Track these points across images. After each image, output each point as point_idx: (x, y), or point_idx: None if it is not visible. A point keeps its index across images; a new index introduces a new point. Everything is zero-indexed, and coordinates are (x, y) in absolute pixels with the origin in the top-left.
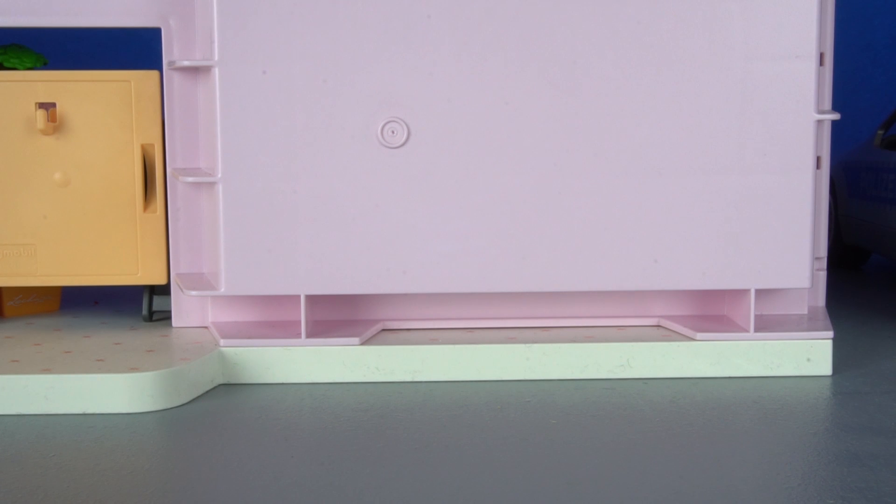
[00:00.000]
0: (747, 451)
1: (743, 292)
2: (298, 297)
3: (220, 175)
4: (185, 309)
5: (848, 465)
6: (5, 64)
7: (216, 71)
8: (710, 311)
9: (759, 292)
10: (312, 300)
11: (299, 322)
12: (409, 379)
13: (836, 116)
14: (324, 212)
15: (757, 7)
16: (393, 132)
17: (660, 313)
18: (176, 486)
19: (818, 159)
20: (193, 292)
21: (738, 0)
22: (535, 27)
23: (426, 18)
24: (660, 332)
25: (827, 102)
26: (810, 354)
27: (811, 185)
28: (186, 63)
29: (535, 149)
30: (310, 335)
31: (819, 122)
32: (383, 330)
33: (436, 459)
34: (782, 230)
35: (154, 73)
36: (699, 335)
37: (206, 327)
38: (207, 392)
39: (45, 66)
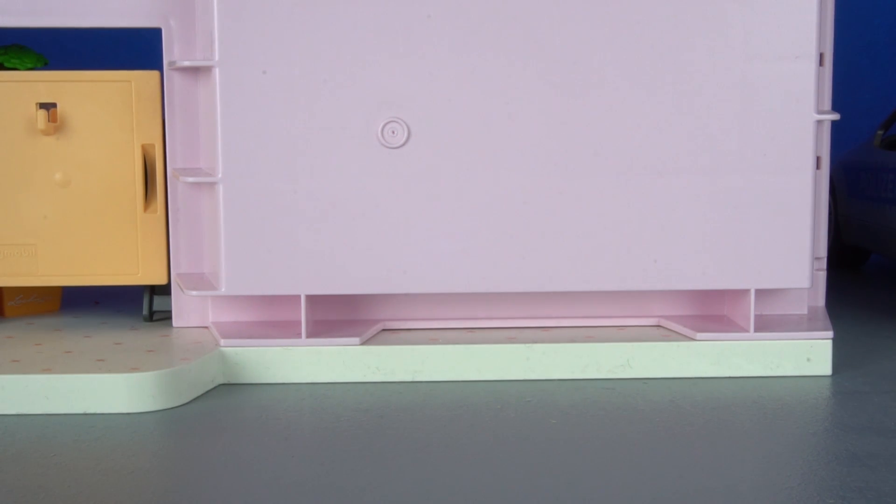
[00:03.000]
0: (747, 451)
1: (743, 292)
2: (299, 297)
3: (220, 175)
4: (186, 309)
5: (848, 465)
6: (6, 64)
7: (216, 71)
8: (710, 311)
9: (758, 292)
10: (312, 300)
11: (299, 322)
12: (409, 379)
13: (836, 116)
14: (324, 212)
15: (757, 7)
16: (393, 132)
17: (660, 313)
18: (176, 486)
19: (818, 159)
20: (194, 292)
21: (738, 0)
22: (536, 27)
23: (426, 18)
24: (660, 332)
25: (827, 102)
26: (810, 354)
27: (811, 185)
28: (187, 63)
29: (535, 149)
30: (310, 335)
31: (819, 122)
32: (383, 330)
33: (436, 459)
34: (782, 230)
35: (154, 74)
36: (699, 335)
37: (206, 327)
38: (208, 392)
39: (46, 66)
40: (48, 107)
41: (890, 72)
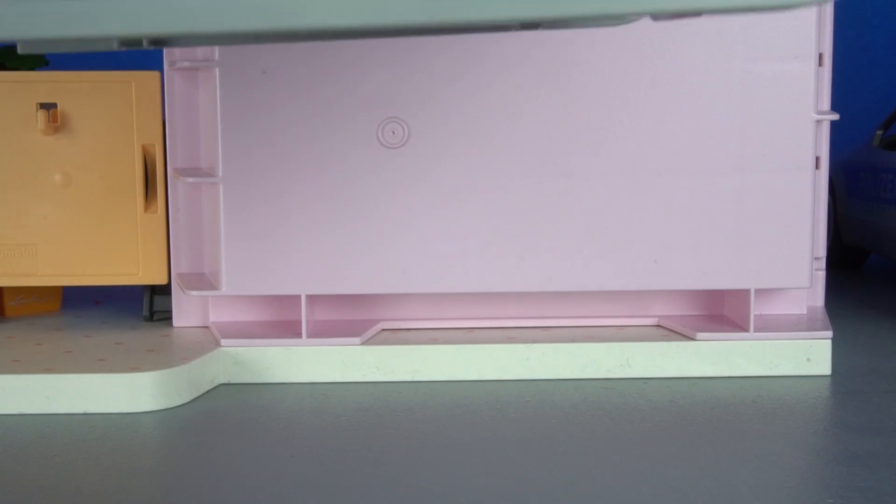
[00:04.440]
0: (747, 450)
1: (743, 292)
2: (299, 296)
3: (220, 175)
4: (186, 309)
5: (847, 465)
6: (7, 64)
7: (216, 71)
8: (710, 311)
9: (758, 292)
10: (313, 300)
11: (300, 322)
12: (409, 379)
13: (835, 117)
14: (324, 212)
15: None
16: (393, 132)
17: (660, 313)
18: (176, 486)
19: (818, 159)
20: (194, 292)
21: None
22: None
23: None
24: (660, 332)
25: (826, 103)
26: (809, 354)
27: (811, 186)
28: (187, 63)
29: (535, 149)
30: (310, 335)
31: (818, 122)
32: (383, 330)
33: (436, 459)
34: (782, 230)
35: (155, 74)
36: (699, 335)
37: (206, 327)
38: (208, 392)
39: (46, 66)
40: (48, 107)
41: (889, 72)
